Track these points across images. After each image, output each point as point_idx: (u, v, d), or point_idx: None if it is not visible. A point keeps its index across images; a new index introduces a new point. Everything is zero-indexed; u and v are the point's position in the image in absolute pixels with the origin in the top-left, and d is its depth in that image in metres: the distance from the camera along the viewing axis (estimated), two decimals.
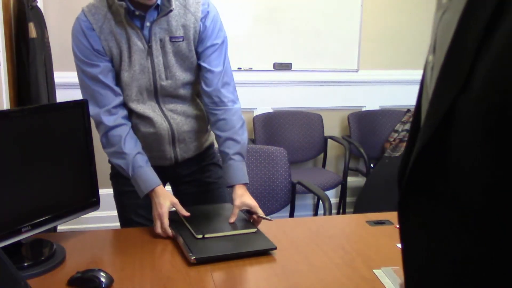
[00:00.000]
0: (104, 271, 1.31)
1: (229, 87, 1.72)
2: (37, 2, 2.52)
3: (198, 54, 1.67)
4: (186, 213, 1.62)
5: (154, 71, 1.63)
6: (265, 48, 3.50)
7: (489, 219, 0.44)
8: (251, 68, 3.51)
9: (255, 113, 3.56)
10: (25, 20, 2.40)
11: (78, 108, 1.53)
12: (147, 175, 1.63)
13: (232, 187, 1.67)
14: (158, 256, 1.48)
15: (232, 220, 1.62)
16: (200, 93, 1.73)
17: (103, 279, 1.28)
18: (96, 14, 1.57)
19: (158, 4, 1.56)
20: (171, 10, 1.58)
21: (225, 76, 1.70)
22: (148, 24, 1.58)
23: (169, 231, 1.57)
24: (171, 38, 1.61)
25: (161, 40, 1.60)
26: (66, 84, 3.05)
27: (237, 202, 1.64)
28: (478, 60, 0.44)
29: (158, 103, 1.68)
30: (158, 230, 1.58)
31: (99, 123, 1.64)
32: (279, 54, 3.53)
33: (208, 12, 1.64)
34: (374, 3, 3.62)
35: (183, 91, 1.69)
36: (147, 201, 1.65)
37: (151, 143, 1.72)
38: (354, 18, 3.61)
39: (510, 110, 0.40)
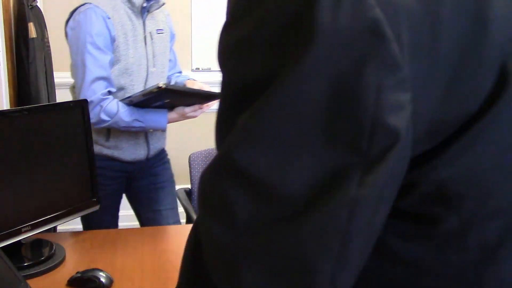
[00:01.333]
0: (104, 271, 1.31)
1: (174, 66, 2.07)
2: (37, 2, 2.52)
3: None
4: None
5: (147, 59, 1.83)
6: None
7: None
8: None
9: None
10: (25, 20, 2.39)
11: (78, 108, 1.53)
12: (153, 115, 1.78)
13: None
14: (158, 256, 1.48)
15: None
16: None
17: (103, 279, 1.28)
18: (106, 6, 1.72)
19: None
20: (164, 3, 1.84)
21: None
22: (145, 15, 1.80)
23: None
24: (157, 30, 1.85)
25: (150, 32, 1.82)
26: (66, 84, 3.04)
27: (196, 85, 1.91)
28: None
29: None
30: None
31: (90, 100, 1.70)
32: None
33: (167, 15, 1.95)
34: None
35: (161, 81, 1.87)
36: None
37: (129, 133, 1.84)
38: None
39: None
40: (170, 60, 1.99)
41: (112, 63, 1.74)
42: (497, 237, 0.42)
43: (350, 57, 0.35)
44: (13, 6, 2.42)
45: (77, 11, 1.74)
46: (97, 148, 1.78)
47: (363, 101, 0.35)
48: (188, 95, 1.79)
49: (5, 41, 2.30)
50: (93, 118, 1.68)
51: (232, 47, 0.41)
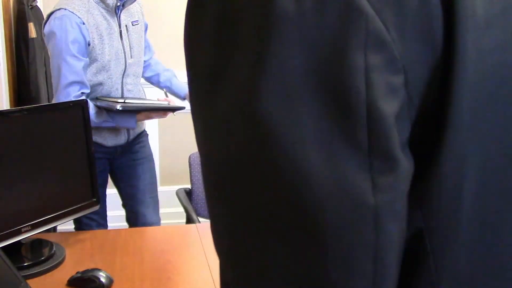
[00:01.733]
0: (104, 271, 1.31)
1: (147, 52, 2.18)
2: (37, 2, 2.52)
3: None
4: None
5: (124, 51, 1.93)
6: None
7: None
8: None
9: None
10: (25, 20, 2.39)
11: (78, 108, 1.53)
12: (122, 116, 1.93)
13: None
14: (158, 256, 1.48)
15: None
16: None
17: (103, 279, 1.28)
18: (81, 10, 1.79)
19: None
20: None
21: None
22: (119, 10, 1.89)
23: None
24: (132, 22, 1.96)
25: (126, 25, 1.93)
26: None
27: None
28: None
29: (122, 83, 1.97)
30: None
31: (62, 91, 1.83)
32: None
33: (141, 6, 2.05)
34: None
35: (139, 70, 2.03)
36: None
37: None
38: None
39: None
40: (145, 47, 2.10)
41: (87, 65, 1.85)
42: None
43: (326, 39, 0.30)
44: (13, 6, 2.42)
45: (53, 15, 1.80)
46: None
47: (352, 87, 0.30)
48: (146, 110, 1.95)
49: (5, 41, 2.30)
50: None
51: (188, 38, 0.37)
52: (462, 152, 0.34)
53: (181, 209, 2.22)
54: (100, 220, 2.07)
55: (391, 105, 0.31)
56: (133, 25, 1.96)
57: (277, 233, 0.34)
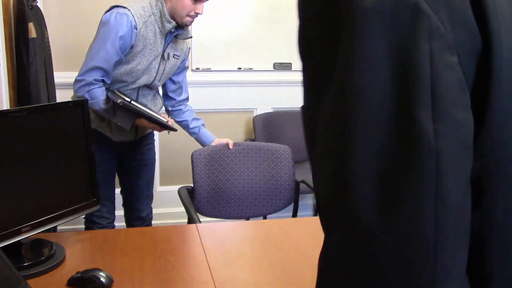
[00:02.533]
0: (104, 271, 1.31)
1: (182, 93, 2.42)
2: (37, 2, 2.52)
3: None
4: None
5: (157, 73, 2.17)
6: (265, 48, 3.50)
7: None
8: (251, 68, 3.51)
9: (255, 113, 3.56)
10: (25, 20, 2.39)
11: (78, 108, 1.53)
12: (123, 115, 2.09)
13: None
14: (158, 256, 1.48)
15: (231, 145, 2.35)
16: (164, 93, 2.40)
17: (103, 279, 1.28)
18: (140, 18, 2.05)
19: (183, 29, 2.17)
20: (191, 37, 2.24)
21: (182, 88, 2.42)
22: (168, 39, 2.15)
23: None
24: (174, 54, 2.21)
25: (168, 54, 2.18)
26: (66, 84, 3.04)
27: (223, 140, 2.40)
28: None
29: (138, 89, 2.19)
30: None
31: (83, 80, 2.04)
32: (279, 54, 3.53)
33: (189, 48, 2.34)
34: None
35: (158, 87, 2.30)
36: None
37: None
38: None
39: None
40: (180, 88, 2.39)
41: (120, 63, 2.06)
42: None
43: (402, 32, 0.45)
44: (13, 6, 2.42)
45: (116, 9, 2.04)
46: (94, 125, 2.10)
47: (421, 64, 0.44)
48: (144, 117, 2.10)
49: (5, 41, 2.30)
50: (79, 93, 2.05)
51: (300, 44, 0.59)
52: (504, 110, 0.48)
53: (182, 209, 2.21)
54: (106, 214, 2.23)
55: (449, 75, 0.45)
56: (173, 57, 2.22)
57: None
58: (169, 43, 2.16)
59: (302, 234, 1.62)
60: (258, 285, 1.36)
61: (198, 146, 2.42)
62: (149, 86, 2.21)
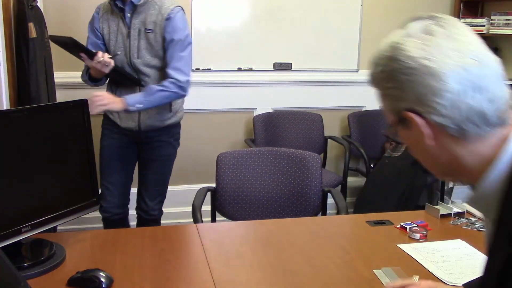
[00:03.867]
0: (104, 271, 1.31)
1: (179, 72, 2.32)
2: (37, 2, 2.52)
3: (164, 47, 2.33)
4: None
5: (130, 50, 2.32)
6: (265, 48, 3.50)
7: None
8: (251, 68, 3.51)
9: (255, 113, 3.56)
10: (25, 20, 2.39)
11: (78, 108, 1.53)
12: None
13: None
14: (158, 256, 1.48)
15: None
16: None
17: (103, 279, 1.28)
18: (104, 5, 2.36)
19: (132, 2, 2.26)
20: (145, 2, 2.27)
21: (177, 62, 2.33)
22: (128, 15, 2.29)
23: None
24: (145, 29, 2.30)
25: (139, 30, 2.30)
26: (66, 84, 3.05)
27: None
28: None
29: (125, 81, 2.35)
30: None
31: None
32: (279, 54, 3.53)
33: (171, 17, 2.28)
34: (374, 3, 3.62)
35: (148, 70, 2.34)
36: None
37: None
38: (354, 18, 3.61)
39: None
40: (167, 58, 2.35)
41: (95, 45, 2.38)
42: None
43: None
44: (13, 6, 2.42)
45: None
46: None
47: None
48: (71, 43, 2.20)
49: (5, 41, 2.30)
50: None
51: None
52: None
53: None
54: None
55: None
56: (145, 31, 2.30)
57: None
58: (131, 19, 2.29)
59: (302, 234, 1.62)
60: (258, 285, 1.36)
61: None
62: (138, 69, 2.32)
